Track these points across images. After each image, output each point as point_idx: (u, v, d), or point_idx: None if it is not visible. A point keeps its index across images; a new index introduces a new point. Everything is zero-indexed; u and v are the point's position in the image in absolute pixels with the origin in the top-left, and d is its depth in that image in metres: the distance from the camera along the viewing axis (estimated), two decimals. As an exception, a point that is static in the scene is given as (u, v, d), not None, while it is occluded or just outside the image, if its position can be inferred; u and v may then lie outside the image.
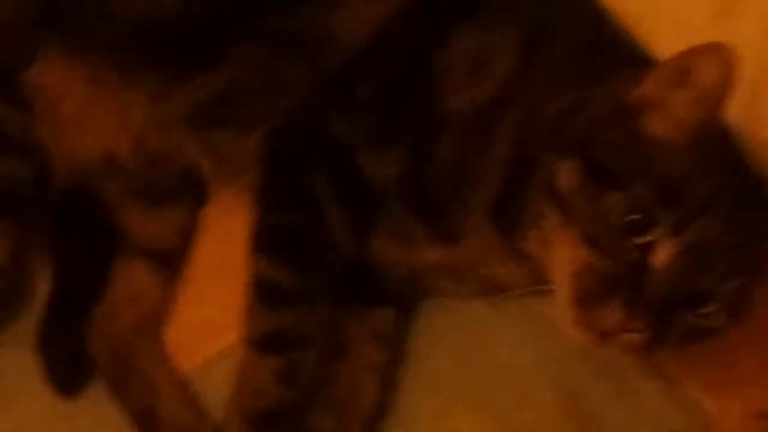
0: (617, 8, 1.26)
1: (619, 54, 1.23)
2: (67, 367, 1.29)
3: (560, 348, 1.24)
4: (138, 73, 1.25)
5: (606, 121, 1.11)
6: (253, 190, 1.23)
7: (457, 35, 1.20)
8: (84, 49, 1.25)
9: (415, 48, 1.21)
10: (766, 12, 1.28)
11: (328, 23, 1.22)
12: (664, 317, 1.07)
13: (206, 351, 1.32)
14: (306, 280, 1.19)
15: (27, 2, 1.25)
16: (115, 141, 1.29)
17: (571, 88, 1.17)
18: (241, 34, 1.23)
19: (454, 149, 1.18)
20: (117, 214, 1.35)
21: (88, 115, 1.27)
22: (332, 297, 1.21)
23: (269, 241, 1.20)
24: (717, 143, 1.09)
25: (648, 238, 1.06)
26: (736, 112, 1.14)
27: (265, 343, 1.18)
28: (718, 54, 1.04)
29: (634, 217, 1.06)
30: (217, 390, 1.24)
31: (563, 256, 1.10)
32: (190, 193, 1.37)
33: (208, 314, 1.33)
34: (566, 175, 1.10)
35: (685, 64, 1.06)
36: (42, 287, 1.34)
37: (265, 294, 1.19)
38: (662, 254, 1.06)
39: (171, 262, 1.36)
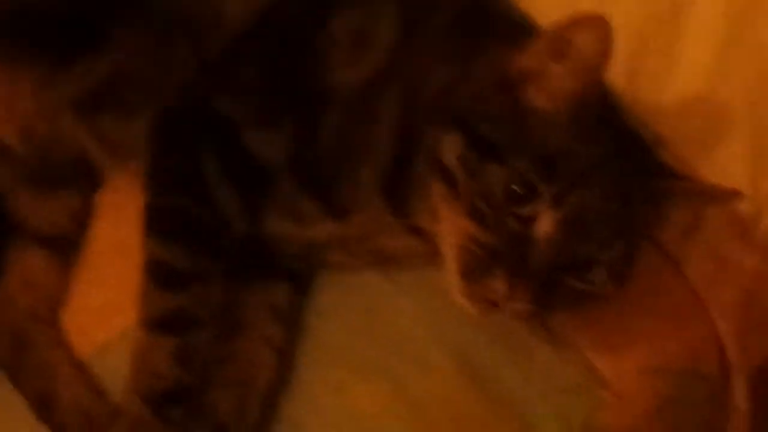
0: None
1: (500, 25, 1.23)
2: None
3: (455, 316, 1.23)
4: (20, 61, 1.23)
5: (487, 93, 1.12)
6: (143, 173, 1.22)
7: (337, 13, 1.21)
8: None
9: (296, 27, 1.21)
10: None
11: (211, 4, 1.22)
12: (549, 285, 1.10)
13: (104, 334, 1.30)
14: (198, 260, 1.19)
15: None
16: (2, 129, 1.27)
17: (452, 60, 1.18)
18: (122, 16, 1.22)
19: (339, 126, 1.19)
20: (9, 200, 1.34)
21: None
22: (226, 275, 1.22)
23: (160, 223, 1.20)
24: (597, 112, 1.11)
25: (529, 209, 1.08)
26: (617, 76, 1.16)
27: (160, 324, 1.18)
28: (595, 25, 1.06)
29: (515, 189, 1.08)
30: (116, 372, 1.24)
31: (449, 229, 1.12)
32: (82, 178, 1.36)
33: (105, 297, 1.32)
34: (448, 147, 1.12)
35: (564, 35, 1.08)
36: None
37: (158, 276, 1.19)
38: (544, 225, 1.08)
39: (65, 247, 1.35)
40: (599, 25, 1.05)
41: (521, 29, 1.21)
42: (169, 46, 1.23)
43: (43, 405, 1.26)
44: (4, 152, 1.29)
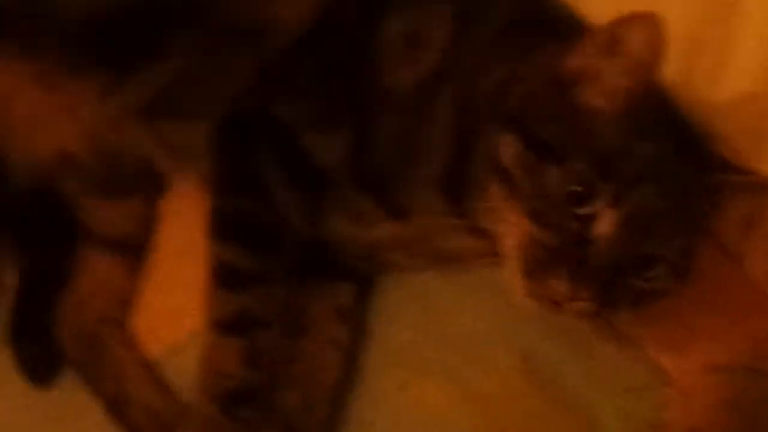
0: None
1: (553, 25, 1.23)
2: (38, 358, 1.32)
3: (517, 314, 1.25)
4: (85, 70, 1.26)
5: (541, 94, 1.12)
6: (207, 178, 1.25)
7: (392, 15, 1.22)
8: (29, 50, 1.26)
9: (351, 30, 1.23)
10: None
11: (266, 10, 1.23)
12: (610, 284, 1.09)
13: (173, 336, 1.34)
14: (262, 262, 1.21)
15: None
16: (68, 138, 1.30)
17: (506, 60, 1.18)
18: (182, 24, 1.24)
19: (396, 127, 1.20)
20: (77, 207, 1.37)
21: (40, 115, 1.29)
22: (290, 276, 1.24)
23: (224, 226, 1.22)
24: (652, 109, 1.10)
25: (588, 209, 1.08)
26: (671, 74, 1.15)
27: (226, 325, 1.20)
28: (647, 23, 1.05)
29: (574, 189, 1.08)
30: (185, 373, 1.27)
31: (509, 229, 1.12)
32: (147, 183, 1.39)
33: (174, 300, 1.36)
34: (505, 148, 1.12)
35: (615, 33, 1.07)
36: (11, 283, 1.36)
37: (223, 278, 1.21)
38: (604, 225, 1.08)
39: (133, 251, 1.38)
40: (651, 23, 1.05)
41: (574, 29, 1.20)
42: (227, 52, 1.25)
43: (115, 406, 1.30)
44: (70, 160, 1.32)
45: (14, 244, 1.36)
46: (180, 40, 1.24)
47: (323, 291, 1.31)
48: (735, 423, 1.27)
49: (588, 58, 1.10)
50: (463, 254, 1.24)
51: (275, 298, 1.22)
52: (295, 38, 1.22)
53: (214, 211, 1.23)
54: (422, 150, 1.19)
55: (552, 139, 1.10)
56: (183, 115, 1.27)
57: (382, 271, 1.34)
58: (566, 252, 1.08)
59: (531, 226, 1.10)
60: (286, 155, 1.21)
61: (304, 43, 1.22)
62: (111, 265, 1.36)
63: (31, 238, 1.37)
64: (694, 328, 1.31)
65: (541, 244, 1.09)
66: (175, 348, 1.34)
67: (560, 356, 1.31)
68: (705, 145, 1.18)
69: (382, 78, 1.20)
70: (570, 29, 1.20)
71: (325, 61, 1.22)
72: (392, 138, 1.20)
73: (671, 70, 1.13)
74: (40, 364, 1.32)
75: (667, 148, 1.10)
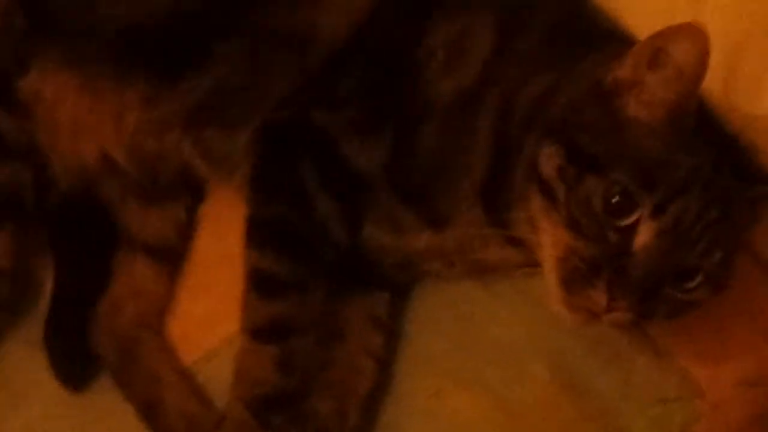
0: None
1: (595, 34, 1.24)
2: (73, 362, 1.33)
3: (551, 324, 1.25)
4: (129, 77, 1.27)
5: (584, 104, 1.12)
6: (245, 185, 1.25)
7: (434, 25, 1.22)
8: (75, 57, 1.27)
9: (393, 39, 1.23)
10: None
11: (309, 18, 1.24)
12: (649, 295, 1.09)
13: (209, 342, 1.35)
14: (299, 270, 1.22)
15: (12, 15, 1.27)
16: (111, 144, 1.31)
17: (548, 71, 1.18)
18: (225, 32, 1.25)
19: (437, 137, 1.20)
20: (117, 212, 1.38)
21: (84, 120, 1.30)
22: (326, 284, 1.24)
23: (261, 233, 1.23)
24: (695, 121, 1.10)
25: (629, 220, 1.08)
26: (713, 86, 1.16)
27: (262, 332, 1.21)
28: (691, 33, 1.06)
29: (615, 200, 1.08)
30: (219, 379, 1.27)
31: (548, 240, 1.13)
32: (187, 190, 1.39)
33: (210, 306, 1.36)
34: (546, 159, 1.12)
35: (660, 44, 1.07)
36: (49, 287, 1.36)
37: (259, 285, 1.22)
38: (644, 236, 1.08)
39: (170, 257, 1.39)
40: (696, 35, 1.05)
41: (616, 39, 1.21)
42: (268, 60, 1.25)
43: (149, 410, 1.31)
44: (112, 166, 1.33)
45: (53, 248, 1.37)
46: (222, 48, 1.25)
47: (359, 299, 1.31)
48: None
49: (632, 70, 1.09)
50: (501, 264, 1.25)
51: (311, 306, 1.23)
52: (337, 47, 1.23)
53: (252, 218, 1.23)
54: (462, 160, 1.20)
55: (594, 150, 1.10)
56: (224, 123, 1.28)
57: (419, 279, 1.34)
58: (605, 263, 1.08)
59: (570, 237, 1.10)
60: (327, 164, 1.22)
61: (347, 52, 1.23)
62: (148, 270, 1.37)
63: (70, 242, 1.38)
64: (727, 341, 1.32)
65: (580, 254, 1.09)
66: (209, 354, 1.34)
67: (594, 366, 1.31)
68: (745, 157, 1.18)
69: (424, 87, 1.21)
70: (612, 40, 1.21)
71: (368, 69, 1.23)
72: (433, 148, 1.20)
73: (713, 82, 1.13)
74: (76, 367, 1.33)
75: (708, 160, 1.10)
